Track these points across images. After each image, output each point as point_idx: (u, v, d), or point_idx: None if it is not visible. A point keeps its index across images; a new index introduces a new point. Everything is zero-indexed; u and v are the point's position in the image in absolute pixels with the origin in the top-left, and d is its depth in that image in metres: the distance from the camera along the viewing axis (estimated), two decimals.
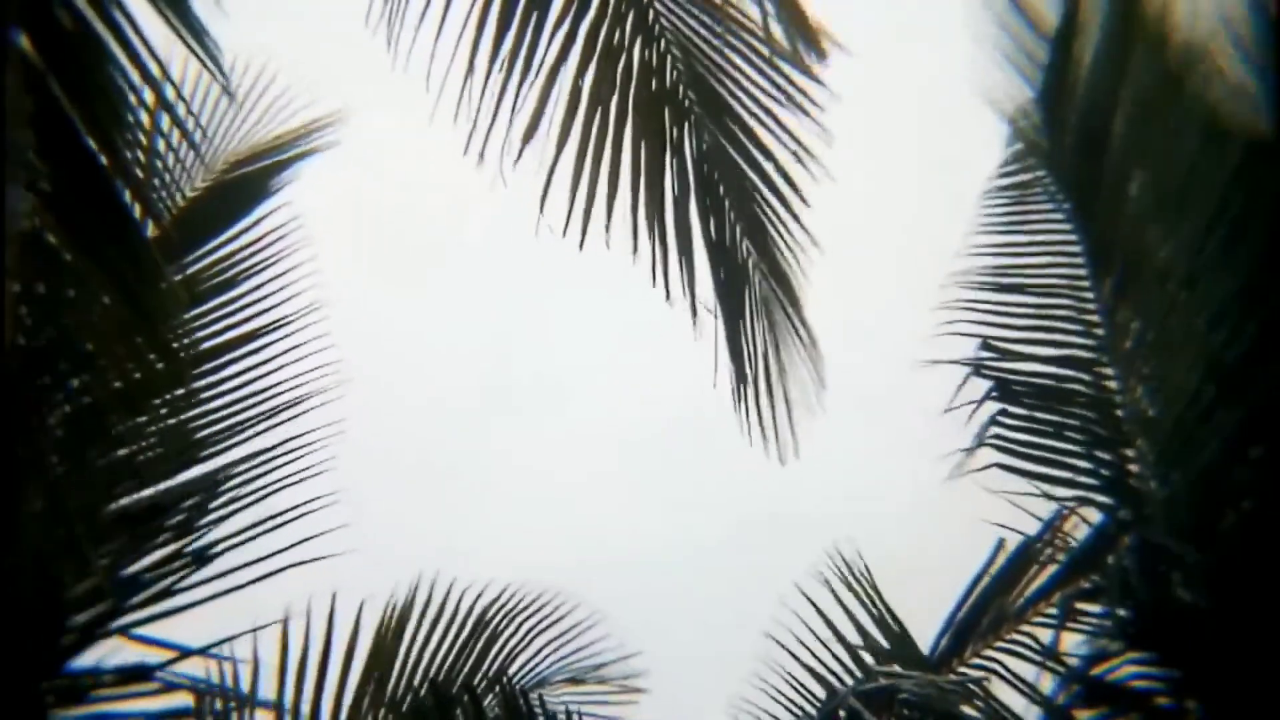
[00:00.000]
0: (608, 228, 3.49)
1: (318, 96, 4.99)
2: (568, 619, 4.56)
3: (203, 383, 4.14)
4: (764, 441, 3.77)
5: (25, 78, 2.54)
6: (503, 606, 4.40)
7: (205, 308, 4.27)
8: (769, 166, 3.77)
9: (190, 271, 4.29)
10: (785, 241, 3.77)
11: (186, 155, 4.56)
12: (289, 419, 4.16)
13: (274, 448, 4.08)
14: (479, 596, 4.34)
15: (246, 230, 4.47)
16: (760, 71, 3.82)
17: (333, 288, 4.36)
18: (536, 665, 4.51)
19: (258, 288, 4.36)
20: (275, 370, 4.23)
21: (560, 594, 4.53)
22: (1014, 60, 4.38)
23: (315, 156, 4.85)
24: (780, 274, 3.73)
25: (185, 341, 4.15)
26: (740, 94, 3.86)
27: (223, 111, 4.77)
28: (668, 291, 3.49)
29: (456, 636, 4.28)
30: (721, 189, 3.69)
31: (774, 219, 3.76)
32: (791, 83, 3.83)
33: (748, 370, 3.67)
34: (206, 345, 4.22)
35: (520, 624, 4.44)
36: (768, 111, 3.83)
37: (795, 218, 3.75)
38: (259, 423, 4.13)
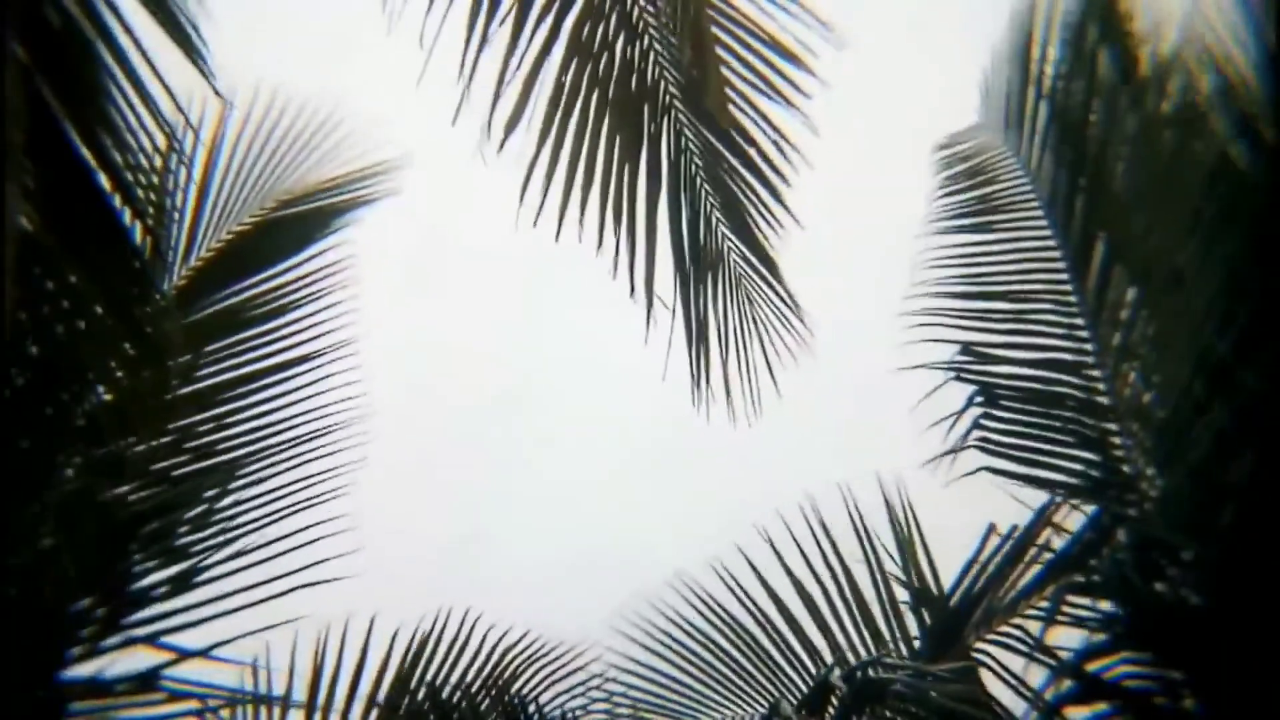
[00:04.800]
0: (581, 220, 3.45)
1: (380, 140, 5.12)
2: (585, 670, 4.46)
3: (231, 406, 4.25)
4: (731, 419, 3.69)
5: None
6: (523, 650, 4.36)
7: (241, 336, 4.40)
8: (752, 152, 3.67)
9: (229, 304, 4.46)
10: (766, 223, 3.67)
11: (238, 188, 4.72)
12: (311, 448, 4.23)
13: (297, 467, 4.15)
14: (501, 638, 4.31)
15: (288, 270, 4.60)
16: (746, 65, 3.75)
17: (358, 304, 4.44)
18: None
19: (293, 323, 4.46)
20: (304, 400, 4.31)
21: (580, 645, 4.46)
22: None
23: (371, 203, 4.98)
24: (761, 253, 3.64)
25: (217, 367, 4.30)
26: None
27: (285, 149, 4.93)
28: (632, 285, 3.42)
29: (478, 673, 4.26)
30: (700, 180, 3.60)
31: (755, 202, 3.66)
32: (779, 72, 3.74)
33: (714, 353, 3.59)
34: (240, 372, 4.34)
35: (538, 670, 4.38)
36: (752, 105, 3.75)
37: (778, 199, 3.65)
38: (281, 451, 4.21)
